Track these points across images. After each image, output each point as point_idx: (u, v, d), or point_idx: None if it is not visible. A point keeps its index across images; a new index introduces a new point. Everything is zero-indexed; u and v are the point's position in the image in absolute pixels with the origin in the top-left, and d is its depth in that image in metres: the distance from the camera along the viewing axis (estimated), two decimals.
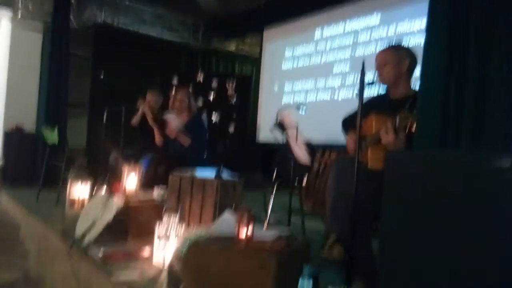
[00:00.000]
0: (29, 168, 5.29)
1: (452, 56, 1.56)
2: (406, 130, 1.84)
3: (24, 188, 4.91)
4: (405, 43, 4.35)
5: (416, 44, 4.37)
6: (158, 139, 4.08)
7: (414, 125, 1.76)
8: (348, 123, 2.46)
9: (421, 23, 4.51)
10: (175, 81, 6.74)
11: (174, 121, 3.83)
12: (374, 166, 1.95)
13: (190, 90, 5.55)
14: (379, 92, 2.51)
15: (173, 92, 4.12)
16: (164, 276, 1.94)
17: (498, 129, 1.39)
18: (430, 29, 1.68)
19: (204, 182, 2.49)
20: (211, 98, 6.78)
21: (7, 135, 5.56)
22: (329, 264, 2.03)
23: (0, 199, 4.73)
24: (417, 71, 2.04)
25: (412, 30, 4.67)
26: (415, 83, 2.17)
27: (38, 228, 3.12)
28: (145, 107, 4.24)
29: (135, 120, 4.30)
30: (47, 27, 5.72)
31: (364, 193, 1.78)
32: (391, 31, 4.95)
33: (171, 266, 1.77)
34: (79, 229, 2.61)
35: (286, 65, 6.45)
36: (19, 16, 5.53)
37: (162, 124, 3.92)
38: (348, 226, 1.78)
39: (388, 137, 1.90)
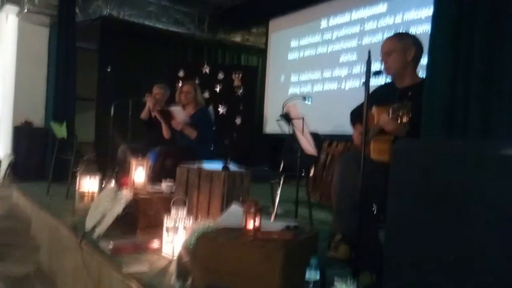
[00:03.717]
0: (39, 162, 5.34)
1: (459, 44, 1.54)
2: (398, 121, 1.83)
3: (34, 182, 4.96)
4: (413, 31, 4.32)
5: (424, 31, 4.31)
6: (166, 132, 4.08)
7: (405, 116, 1.75)
8: (355, 116, 2.45)
9: (428, 10, 4.44)
10: (181, 73, 6.74)
11: (180, 113, 3.81)
12: (377, 158, 1.95)
13: (197, 82, 5.55)
14: (386, 81, 2.49)
15: (180, 84, 4.10)
16: (173, 267, 1.96)
17: (505, 118, 1.38)
18: (437, 18, 1.66)
19: (211, 174, 2.50)
20: (218, 90, 6.76)
21: (17, 129, 5.62)
22: (335, 262, 2.03)
23: (11, 193, 4.79)
24: (424, 60, 2.03)
25: (420, 17, 4.61)
26: (422, 72, 2.15)
27: (49, 222, 3.16)
28: (150, 101, 4.25)
29: (144, 114, 4.32)
30: (53, 21, 5.74)
31: (370, 187, 1.77)
32: (398, 19, 4.89)
33: (179, 258, 1.79)
34: (89, 222, 2.64)
35: (292, 56, 6.41)
36: (26, 10, 5.55)
37: (168, 117, 3.90)
38: (354, 224, 1.78)
39: (388, 126, 1.91)
